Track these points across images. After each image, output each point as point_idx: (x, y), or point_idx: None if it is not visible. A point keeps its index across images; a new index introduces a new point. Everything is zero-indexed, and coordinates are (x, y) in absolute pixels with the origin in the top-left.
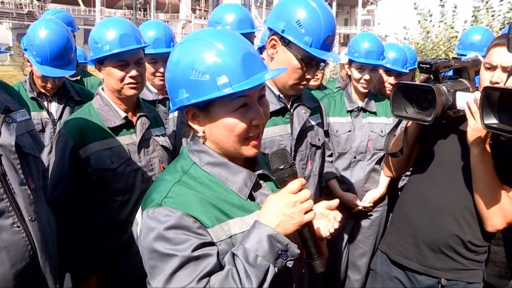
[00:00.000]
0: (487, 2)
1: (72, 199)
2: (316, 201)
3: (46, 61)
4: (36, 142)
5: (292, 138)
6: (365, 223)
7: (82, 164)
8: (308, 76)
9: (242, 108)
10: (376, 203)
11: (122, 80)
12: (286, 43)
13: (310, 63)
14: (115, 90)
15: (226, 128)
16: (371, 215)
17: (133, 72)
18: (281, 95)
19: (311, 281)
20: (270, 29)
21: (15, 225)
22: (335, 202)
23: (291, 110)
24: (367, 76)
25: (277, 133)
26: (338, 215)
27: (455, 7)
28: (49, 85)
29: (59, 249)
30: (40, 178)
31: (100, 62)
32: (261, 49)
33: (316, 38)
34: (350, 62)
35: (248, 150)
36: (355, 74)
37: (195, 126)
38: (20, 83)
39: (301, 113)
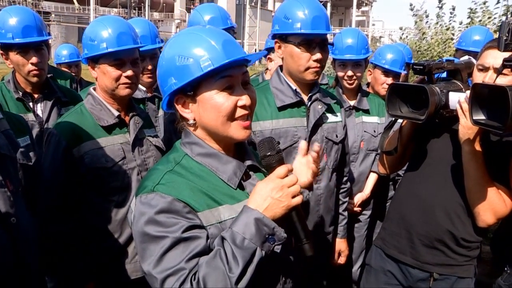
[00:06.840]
0: (484, 3)
1: (67, 200)
2: (330, 195)
3: (19, 33)
4: (11, 142)
5: (307, 130)
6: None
7: (76, 164)
8: (315, 57)
9: (227, 89)
10: (363, 206)
11: (117, 79)
12: (284, 38)
13: (310, 44)
14: (109, 89)
15: (214, 109)
16: (359, 219)
17: (129, 72)
18: (298, 90)
19: (300, 270)
20: (273, 38)
21: None
22: (317, 146)
23: (308, 105)
24: (349, 73)
25: (292, 124)
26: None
27: (453, 9)
28: (33, 69)
29: (54, 254)
30: (18, 179)
31: (95, 61)
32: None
33: (304, 22)
34: (334, 60)
35: (238, 132)
36: (338, 71)
37: (186, 114)
38: (2, 83)
39: (317, 108)
